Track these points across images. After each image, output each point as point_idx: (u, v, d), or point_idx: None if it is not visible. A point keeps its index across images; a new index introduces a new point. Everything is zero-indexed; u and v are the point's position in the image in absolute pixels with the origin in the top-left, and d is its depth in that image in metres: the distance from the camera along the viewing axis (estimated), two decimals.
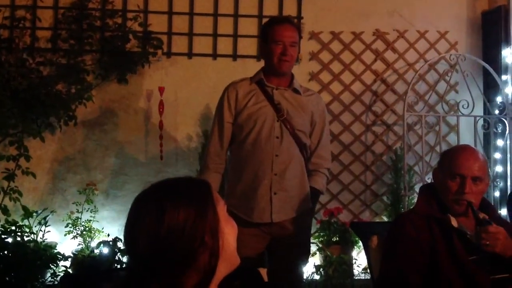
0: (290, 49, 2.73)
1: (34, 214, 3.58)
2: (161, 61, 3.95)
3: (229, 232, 1.36)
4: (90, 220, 3.67)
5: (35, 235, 3.56)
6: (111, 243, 3.50)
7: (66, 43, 3.85)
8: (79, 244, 3.60)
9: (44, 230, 3.59)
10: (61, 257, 3.50)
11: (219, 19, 4.04)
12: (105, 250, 3.50)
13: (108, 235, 3.69)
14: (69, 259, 3.53)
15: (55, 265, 3.51)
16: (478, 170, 2.19)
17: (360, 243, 3.36)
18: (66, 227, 3.66)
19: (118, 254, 3.48)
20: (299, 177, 2.80)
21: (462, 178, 2.17)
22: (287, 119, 2.74)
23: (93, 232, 3.62)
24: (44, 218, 3.59)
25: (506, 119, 3.92)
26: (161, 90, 3.83)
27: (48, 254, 3.47)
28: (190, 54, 4.02)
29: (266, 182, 2.71)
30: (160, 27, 3.97)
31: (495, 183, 3.89)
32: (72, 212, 3.69)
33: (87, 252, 3.53)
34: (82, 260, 3.48)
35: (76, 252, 3.54)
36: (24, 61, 3.71)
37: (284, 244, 2.71)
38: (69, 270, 3.52)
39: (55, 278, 3.51)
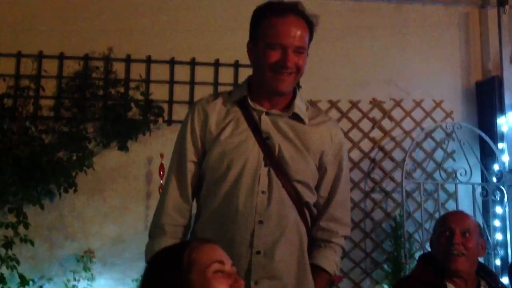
0: (294, 57, 1.80)
1: (30, 282, 3.52)
2: (161, 128, 3.99)
3: None
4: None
5: None
6: None
7: (69, 111, 3.90)
8: None
9: None
10: None
11: (219, 87, 4.12)
12: None
13: None
14: None
15: None
16: (467, 224, 2.23)
17: None
18: None
19: None
20: (298, 256, 1.88)
21: (451, 232, 2.20)
22: (280, 164, 1.83)
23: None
24: (40, 287, 3.52)
25: (504, 187, 3.94)
26: (162, 156, 3.86)
27: None
28: None
29: (243, 265, 1.78)
30: (161, 96, 4.03)
31: (495, 251, 3.86)
32: (68, 280, 3.63)
33: None
34: None
35: None
36: (27, 129, 3.75)
37: None
38: None
39: None
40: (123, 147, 3.88)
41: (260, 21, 1.83)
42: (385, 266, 4.02)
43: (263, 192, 1.82)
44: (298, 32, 1.80)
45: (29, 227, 3.51)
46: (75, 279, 3.62)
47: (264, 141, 1.84)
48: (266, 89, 1.86)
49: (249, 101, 1.87)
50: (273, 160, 1.83)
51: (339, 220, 1.96)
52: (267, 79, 1.81)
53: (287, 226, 1.84)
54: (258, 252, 1.80)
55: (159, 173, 3.82)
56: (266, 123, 1.86)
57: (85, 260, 3.64)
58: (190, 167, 1.88)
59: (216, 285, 1.29)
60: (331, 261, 1.94)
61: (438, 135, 4.24)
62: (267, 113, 1.87)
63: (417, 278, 2.25)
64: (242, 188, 1.81)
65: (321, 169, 1.93)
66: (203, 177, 1.89)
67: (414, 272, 2.36)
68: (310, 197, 1.91)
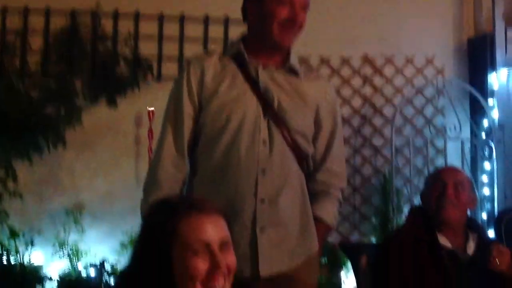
0: (301, 14, 1.86)
1: (20, 234, 3.55)
2: (150, 85, 3.96)
3: (193, 277, 1.25)
4: (77, 241, 3.64)
5: (21, 257, 3.51)
6: (98, 265, 3.47)
7: (56, 66, 3.86)
8: (66, 266, 3.56)
9: (30, 252, 3.54)
10: (48, 279, 3.47)
11: (210, 44, 4.08)
12: (92, 273, 3.46)
13: (95, 256, 3.65)
14: (56, 281, 3.49)
15: (41, 287, 3.47)
16: (460, 178, 2.25)
17: (349, 265, 3.35)
18: (53, 245, 3.62)
19: (105, 276, 3.44)
20: (300, 204, 1.92)
21: (444, 185, 2.22)
22: (279, 115, 1.87)
23: (80, 253, 3.58)
24: (31, 239, 3.55)
25: (493, 142, 3.95)
26: (151, 114, 3.84)
27: (34, 276, 3.43)
28: None
29: (248, 214, 1.82)
30: (150, 52, 3.99)
31: (482, 205, 3.90)
32: (59, 233, 3.65)
33: (74, 274, 3.49)
34: (68, 283, 3.44)
35: (63, 275, 3.50)
36: (14, 85, 3.73)
37: None
38: None
39: None
40: (111, 103, 3.86)
41: None
42: (373, 220, 4.06)
43: (264, 142, 1.84)
44: None
45: (17, 180, 3.52)
46: (65, 232, 3.64)
47: (262, 94, 1.86)
48: (268, 44, 1.88)
49: (246, 55, 1.90)
50: (273, 111, 1.86)
51: (336, 173, 2.00)
52: (273, 34, 1.83)
53: (289, 175, 1.88)
54: (262, 200, 1.83)
55: (148, 135, 3.81)
56: (263, 76, 1.89)
57: (75, 214, 3.66)
58: (187, 121, 1.88)
59: (193, 267, 1.25)
60: (329, 212, 1.98)
61: (429, 92, 4.22)
62: (264, 67, 1.90)
63: (408, 231, 2.28)
64: (243, 138, 1.83)
65: (317, 124, 1.97)
66: (200, 132, 1.90)
67: (404, 225, 2.39)
68: (308, 149, 1.95)
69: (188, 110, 1.88)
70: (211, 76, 1.88)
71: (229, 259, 1.30)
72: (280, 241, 1.85)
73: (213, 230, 1.29)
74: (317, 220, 1.95)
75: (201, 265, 1.25)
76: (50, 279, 3.49)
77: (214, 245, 1.27)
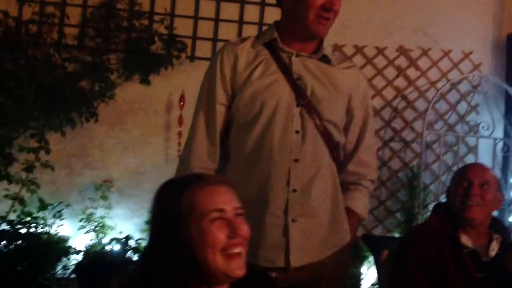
0: (338, 2, 1.83)
1: (49, 206, 3.63)
2: (184, 64, 3.98)
3: (209, 247, 1.29)
4: (104, 217, 3.70)
5: (49, 228, 3.59)
6: (123, 240, 3.54)
7: (93, 41, 3.90)
8: (91, 240, 3.63)
9: (58, 224, 3.62)
10: (73, 250, 3.55)
11: (244, 26, 4.07)
12: (117, 247, 3.53)
13: (121, 232, 3.72)
14: (81, 253, 3.57)
15: (67, 258, 3.55)
16: (487, 177, 2.22)
17: (370, 259, 3.35)
18: (80, 221, 3.70)
19: (129, 251, 3.51)
20: (331, 194, 1.90)
21: (469, 183, 2.19)
22: (312, 104, 1.84)
23: (106, 228, 3.65)
24: (59, 211, 3.63)
25: None
26: (183, 99, 3.87)
27: (60, 247, 3.51)
28: None
29: (280, 204, 1.81)
30: (185, 31, 4.00)
31: (511, 207, 3.85)
32: (87, 207, 3.72)
33: (99, 247, 3.57)
34: (94, 254, 3.51)
35: (88, 246, 3.57)
36: (51, 57, 3.77)
37: None
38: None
39: (66, 271, 3.55)
40: (145, 80, 3.89)
41: None
42: (398, 215, 4.04)
43: (297, 131, 1.83)
44: None
45: (50, 153, 3.58)
46: (92, 207, 3.71)
47: (295, 82, 1.85)
48: (303, 32, 1.86)
49: (279, 43, 1.88)
50: (305, 100, 1.84)
51: (367, 164, 2.00)
52: (309, 22, 1.81)
53: (322, 164, 1.87)
54: (294, 190, 1.82)
55: (179, 103, 3.83)
56: (296, 64, 1.87)
57: (103, 189, 3.73)
58: (220, 109, 1.88)
59: (211, 235, 1.28)
60: (360, 203, 1.98)
61: (464, 87, 4.15)
62: (297, 55, 1.88)
63: (431, 226, 2.27)
64: (277, 127, 1.82)
65: (349, 113, 1.96)
66: (232, 120, 1.89)
67: (428, 220, 2.38)
68: (340, 138, 1.93)
69: (220, 98, 1.88)
70: (244, 63, 1.87)
71: (245, 228, 1.33)
72: (311, 232, 1.85)
73: (227, 199, 1.33)
74: (349, 211, 1.96)
75: (219, 233, 1.29)
76: (76, 251, 3.56)
77: (229, 213, 1.31)
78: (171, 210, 1.31)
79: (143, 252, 1.44)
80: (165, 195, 1.36)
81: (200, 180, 1.36)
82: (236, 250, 1.30)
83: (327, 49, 1.91)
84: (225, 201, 1.33)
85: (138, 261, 1.38)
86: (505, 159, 4.03)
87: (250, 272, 1.36)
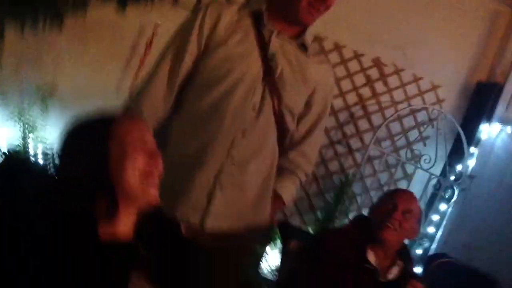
0: None
1: None
2: (164, 5, 3.86)
3: (130, 169, 1.36)
4: (37, 118, 3.57)
5: None
6: (49, 155, 3.43)
7: None
8: (17, 139, 3.51)
9: None
10: None
11: None
12: (40, 155, 3.41)
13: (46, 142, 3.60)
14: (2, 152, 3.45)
15: None
16: (412, 206, 2.31)
17: (277, 243, 3.41)
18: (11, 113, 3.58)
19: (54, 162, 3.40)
20: (265, 175, 1.93)
21: (394, 206, 2.27)
22: (277, 86, 1.85)
23: (36, 130, 3.52)
24: None
25: (457, 188, 4.01)
26: (155, 29, 3.78)
27: None
28: None
29: (214, 168, 1.82)
30: None
31: (422, 241, 3.99)
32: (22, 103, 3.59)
33: (22, 153, 3.47)
34: (16, 160, 3.40)
35: (12, 149, 3.46)
36: None
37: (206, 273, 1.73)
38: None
39: None
40: (121, 7, 3.76)
41: None
42: (318, 213, 4.13)
43: (253, 105, 1.84)
44: None
45: (2, 46, 3.43)
46: (29, 105, 3.58)
47: (267, 59, 1.85)
48: (291, 15, 1.86)
49: (265, 18, 1.88)
50: (272, 80, 1.84)
51: (308, 157, 2.06)
52: (299, 8, 1.82)
53: (266, 145, 1.90)
54: (232, 160, 1.84)
55: (146, 45, 3.76)
56: (275, 43, 1.87)
57: (44, 94, 3.61)
58: (188, 60, 1.87)
59: (132, 155, 1.36)
60: (289, 191, 2.05)
61: (421, 116, 4.23)
62: (278, 34, 1.88)
63: (346, 233, 2.34)
64: (236, 95, 1.82)
65: (307, 105, 1.98)
66: (196, 74, 1.88)
67: (345, 227, 2.46)
68: (291, 126, 1.96)
69: (192, 49, 1.86)
70: (225, 25, 1.86)
71: (161, 165, 1.42)
72: (234, 204, 1.88)
73: (147, 132, 1.43)
74: (276, 195, 2.01)
75: (141, 158, 1.37)
76: None
77: (150, 145, 1.40)
78: (94, 134, 1.39)
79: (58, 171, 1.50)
80: (90, 123, 1.43)
81: (120, 116, 1.45)
82: (154, 180, 1.39)
83: (307, 38, 1.92)
84: (145, 134, 1.42)
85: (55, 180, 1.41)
86: (433, 196, 4.15)
87: (162, 216, 1.47)
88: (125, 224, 1.40)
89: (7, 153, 3.41)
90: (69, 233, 1.31)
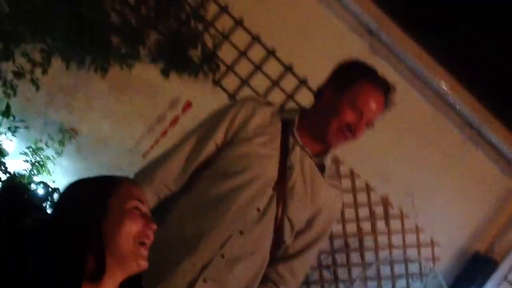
0: (363, 126, 1.87)
1: (11, 117, 3.49)
2: (205, 83, 3.95)
3: (125, 233, 1.37)
4: (49, 159, 3.58)
5: None
6: (50, 189, 3.40)
7: (147, 10, 3.84)
8: (24, 170, 3.51)
9: (8, 137, 3.50)
10: (3, 168, 3.39)
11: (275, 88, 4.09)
12: (40, 192, 3.39)
13: (54, 182, 3.60)
14: (8, 175, 3.42)
15: None
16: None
17: None
18: (27, 148, 3.60)
19: (48, 204, 3.38)
20: (250, 279, 1.89)
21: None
22: (286, 197, 1.86)
23: (43, 169, 3.53)
24: (16, 127, 3.51)
25: None
26: (187, 106, 3.87)
27: None
28: None
29: (203, 259, 1.81)
30: (227, 58, 3.98)
31: None
32: (40, 140, 3.62)
33: (27, 180, 3.44)
34: (19, 183, 3.37)
35: (18, 173, 3.44)
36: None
37: None
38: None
39: None
40: (165, 72, 3.82)
41: (354, 79, 1.88)
42: None
43: (258, 209, 1.83)
44: (379, 108, 1.89)
45: (45, 74, 3.46)
46: (46, 144, 3.62)
47: (285, 168, 1.86)
48: (319, 133, 1.90)
49: (295, 130, 1.91)
50: (283, 189, 1.85)
51: (295, 274, 1.99)
52: (329, 130, 1.86)
53: (259, 251, 1.87)
54: (222, 256, 1.81)
55: (173, 120, 3.81)
56: (296, 155, 1.90)
57: (65, 134, 3.63)
58: (211, 147, 1.89)
59: (131, 220, 1.39)
60: None
61: (413, 267, 4.21)
62: (302, 148, 1.91)
63: None
64: (246, 193, 1.82)
65: (309, 223, 1.96)
66: (212, 162, 1.89)
67: None
68: (288, 240, 1.94)
69: (217, 138, 1.89)
70: (255, 124, 1.90)
71: (154, 227, 1.45)
72: None
73: (146, 203, 1.45)
74: None
75: (136, 221, 1.40)
76: (5, 170, 3.38)
77: (145, 208, 1.44)
78: (94, 193, 1.41)
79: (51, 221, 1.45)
80: (91, 182, 1.46)
81: (123, 177, 1.49)
82: (147, 240, 1.41)
83: (328, 160, 1.94)
84: (144, 197, 1.46)
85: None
86: None
87: None
88: None
89: (12, 174, 3.38)
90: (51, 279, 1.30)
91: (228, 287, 1.85)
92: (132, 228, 1.38)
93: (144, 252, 1.40)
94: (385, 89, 1.90)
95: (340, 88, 1.88)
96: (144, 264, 1.40)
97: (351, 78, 1.89)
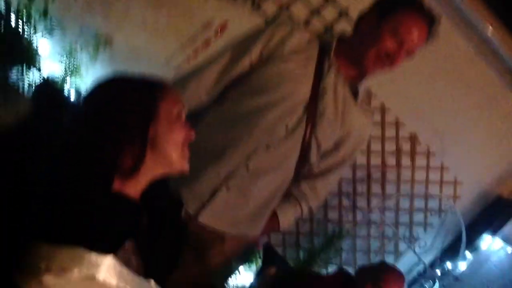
0: (402, 55, 1.84)
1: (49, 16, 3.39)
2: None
3: (175, 140, 1.41)
4: (83, 64, 3.62)
5: (31, 29, 3.34)
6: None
7: None
8: (59, 72, 3.55)
9: (44, 35, 3.42)
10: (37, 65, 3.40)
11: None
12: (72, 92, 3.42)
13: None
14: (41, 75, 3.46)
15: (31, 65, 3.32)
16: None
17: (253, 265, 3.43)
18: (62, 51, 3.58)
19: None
20: (272, 193, 1.95)
21: (379, 285, 2.34)
22: (315, 118, 1.88)
23: (78, 73, 3.57)
24: (52, 26, 3.43)
25: (439, 282, 4.01)
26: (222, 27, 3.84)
27: (28, 53, 3.28)
28: None
29: (228, 166, 1.85)
30: None
31: None
32: (75, 45, 3.61)
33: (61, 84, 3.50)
34: (54, 83, 3.42)
35: (52, 76, 3.49)
36: None
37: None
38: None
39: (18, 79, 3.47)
40: None
41: (393, 9, 1.84)
42: (301, 252, 4.12)
43: (287, 126, 1.88)
44: (422, 35, 1.85)
45: None
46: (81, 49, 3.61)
47: (317, 91, 1.88)
48: (356, 59, 1.91)
49: (332, 54, 1.92)
50: (313, 110, 1.89)
51: (317, 193, 2.08)
52: (367, 56, 1.86)
53: (284, 167, 1.93)
54: (247, 167, 1.87)
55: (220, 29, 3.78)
56: (330, 80, 1.91)
57: (101, 42, 3.66)
58: (245, 63, 1.92)
59: (180, 127, 1.42)
60: (287, 218, 2.09)
61: (432, 203, 4.24)
62: (336, 73, 1.93)
63: (327, 286, 2.37)
64: (276, 110, 1.86)
65: (336, 146, 2.02)
66: (246, 77, 1.92)
67: (328, 278, 2.48)
68: (313, 160, 1.99)
69: (253, 56, 1.91)
70: (292, 45, 1.89)
71: (193, 138, 1.50)
72: (233, 207, 1.91)
73: (183, 102, 1.50)
74: (273, 216, 2.04)
75: (183, 131, 1.44)
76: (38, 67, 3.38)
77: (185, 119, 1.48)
78: (145, 92, 1.40)
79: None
80: (139, 81, 1.44)
81: (164, 84, 1.48)
82: (188, 151, 1.45)
83: (362, 87, 1.97)
84: (184, 103, 1.49)
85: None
86: (413, 281, 4.15)
87: (168, 191, 1.50)
88: (135, 189, 1.40)
89: (46, 78, 3.44)
90: (85, 170, 1.31)
91: (250, 197, 1.93)
92: (181, 135, 1.42)
93: (187, 154, 1.46)
94: (430, 20, 1.87)
95: (383, 14, 1.86)
96: (187, 166, 1.45)
97: (396, 4, 1.86)
